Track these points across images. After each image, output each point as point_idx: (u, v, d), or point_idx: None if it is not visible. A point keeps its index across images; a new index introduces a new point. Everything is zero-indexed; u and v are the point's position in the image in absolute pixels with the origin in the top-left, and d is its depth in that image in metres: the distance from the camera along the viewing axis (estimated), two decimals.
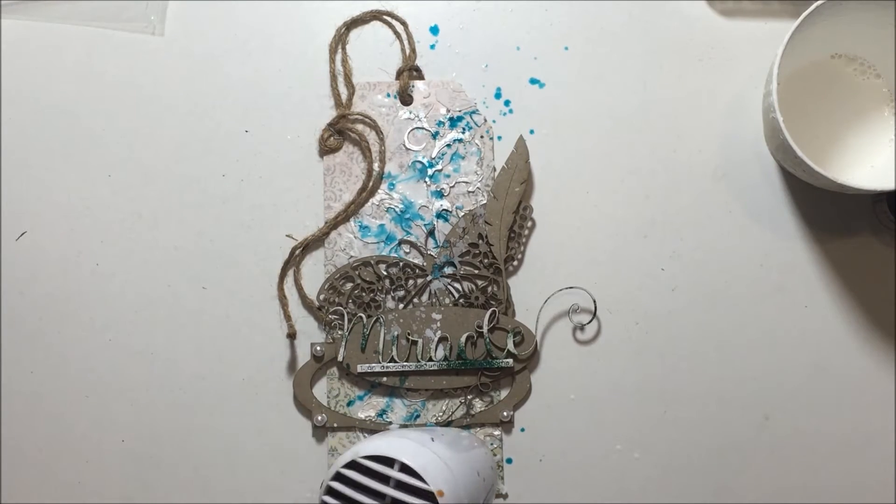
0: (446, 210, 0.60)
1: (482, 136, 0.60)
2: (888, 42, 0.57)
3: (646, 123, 0.61)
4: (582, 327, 0.60)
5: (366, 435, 0.59)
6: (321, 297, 0.59)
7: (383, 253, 0.60)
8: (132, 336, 0.59)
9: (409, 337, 0.59)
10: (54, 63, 0.61)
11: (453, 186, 0.60)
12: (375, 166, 0.60)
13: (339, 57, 0.61)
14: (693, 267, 0.60)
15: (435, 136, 0.60)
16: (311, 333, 0.59)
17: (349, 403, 0.59)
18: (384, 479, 0.44)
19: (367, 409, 0.59)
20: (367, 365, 0.58)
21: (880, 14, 0.56)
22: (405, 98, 0.61)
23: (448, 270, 0.59)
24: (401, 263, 0.59)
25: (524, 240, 0.60)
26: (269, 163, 0.60)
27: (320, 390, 0.59)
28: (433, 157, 0.60)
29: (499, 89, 0.61)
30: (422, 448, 0.45)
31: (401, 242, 0.60)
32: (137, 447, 0.59)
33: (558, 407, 0.59)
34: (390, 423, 0.59)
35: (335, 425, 0.59)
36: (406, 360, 0.58)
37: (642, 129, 0.61)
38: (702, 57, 0.61)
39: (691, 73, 0.61)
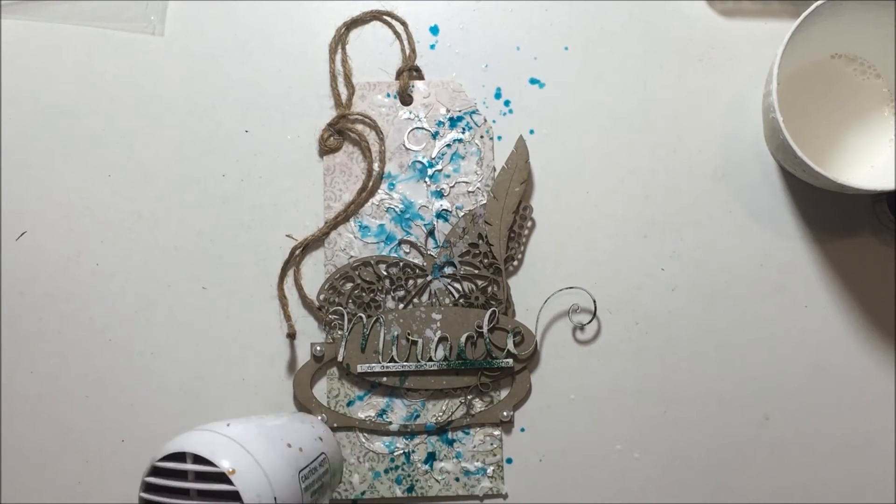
0: (446, 210, 0.60)
1: (482, 136, 0.60)
2: (888, 42, 0.57)
3: (646, 123, 0.61)
4: (582, 327, 0.60)
5: (366, 436, 0.59)
6: (321, 297, 0.59)
7: (383, 253, 0.60)
8: (132, 336, 0.59)
9: (409, 337, 0.59)
10: (54, 63, 0.61)
11: (453, 186, 0.60)
12: (375, 166, 0.60)
13: (339, 57, 0.61)
14: (693, 267, 0.60)
15: (435, 136, 0.60)
16: (311, 333, 0.59)
17: (349, 403, 0.59)
18: (184, 475, 0.44)
19: (367, 409, 0.59)
20: (367, 365, 0.58)
21: (880, 14, 0.56)
22: (405, 98, 0.61)
23: (448, 270, 0.59)
24: (401, 263, 0.59)
25: (524, 240, 0.60)
26: (269, 163, 0.60)
27: (320, 390, 0.59)
28: (433, 157, 0.60)
29: (499, 89, 0.61)
30: (213, 435, 0.46)
31: (401, 242, 0.60)
32: (137, 447, 0.59)
33: (558, 407, 0.59)
34: (390, 423, 0.59)
35: (335, 425, 0.59)
36: (406, 360, 0.58)
37: (642, 129, 0.61)
38: (702, 57, 0.61)
39: (691, 73, 0.61)
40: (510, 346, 0.59)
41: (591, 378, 0.59)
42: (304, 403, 0.59)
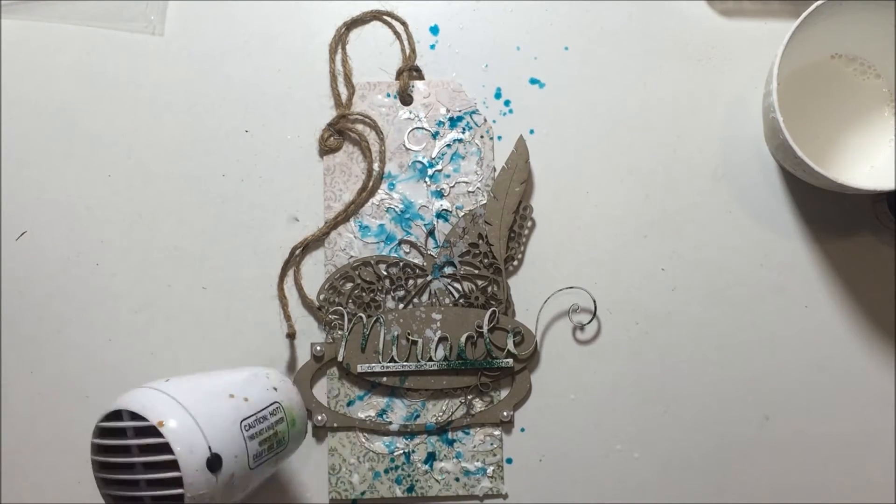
0: (446, 210, 0.60)
1: (482, 136, 0.60)
2: (888, 42, 0.57)
3: (646, 123, 0.61)
4: (582, 327, 0.60)
5: (366, 436, 0.59)
6: (321, 297, 0.59)
7: (383, 253, 0.60)
8: (132, 336, 0.59)
9: (409, 337, 0.59)
10: (54, 63, 0.61)
11: (453, 186, 0.60)
12: (375, 166, 0.60)
13: (339, 57, 0.61)
14: (693, 267, 0.60)
15: (435, 136, 0.60)
16: (311, 333, 0.59)
17: (349, 403, 0.59)
18: (123, 433, 0.45)
19: (367, 409, 0.59)
20: (367, 365, 0.58)
21: (880, 14, 0.56)
22: (405, 98, 0.61)
23: (448, 270, 0.59)
24: (401, 263, 0.59)
25: (524, 240, 0.60)
26: (269, 163, 0.60)
27: (320, 390, 0.59)
28: (433, 157, 0.60)
29: (499, 89, 0.61)
30: (148, 391, 0.47)
31: (401, 242, 0.60)
32: None
33: (558, 407, 0.59)
34: (390, 423, 0.59)
35: (335, 425, 0.59)
36: (406, 360, 0.58)
37: (642, 129, 0.61)
38: (702, 57, 0.61)
39: (691, 73, 0.61)
40: (510, 346, 0.59)
41: (591, 378, 0.59)
42: (305, 403, 0.58)
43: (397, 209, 0.60)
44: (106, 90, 0.61)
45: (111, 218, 0.60)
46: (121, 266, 0.60)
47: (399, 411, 0.59)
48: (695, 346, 0.60)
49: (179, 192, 0.60)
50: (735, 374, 0.59)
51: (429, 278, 0.59)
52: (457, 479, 0.59)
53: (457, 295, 0.59)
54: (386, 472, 0.59)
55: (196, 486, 0.44)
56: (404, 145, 0.60)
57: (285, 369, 0.59)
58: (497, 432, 0.59)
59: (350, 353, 0.59)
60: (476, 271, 0.59)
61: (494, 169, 0.60)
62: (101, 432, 0.45)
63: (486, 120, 0.61)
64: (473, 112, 0.61)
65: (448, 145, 0.60)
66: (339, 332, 0.59)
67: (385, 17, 0.61)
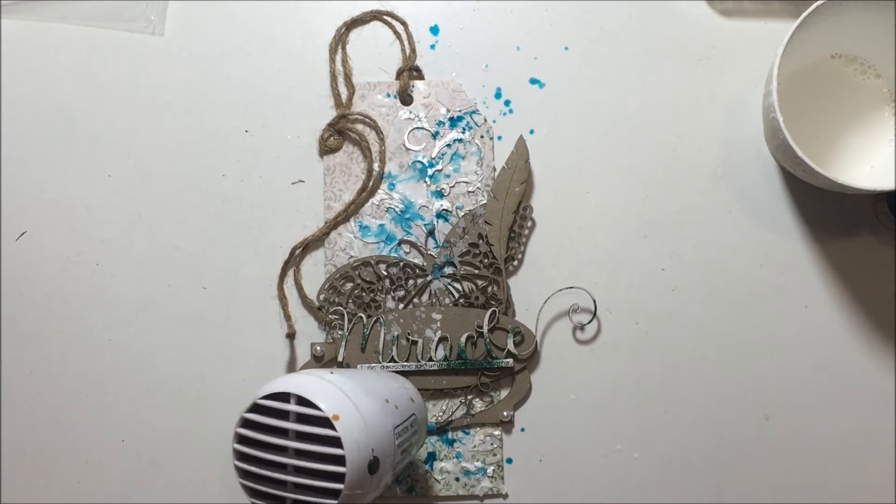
0: (446, 210, 0.60)
1: (482, 136, 0.60)
2: (888, 42, 0.57)
3: (646, 123, 0.61)
4: (582, 327, 0.60)
5: None
6: (321, 297, 0.59)
7: (383, 253, 0.60)
8: (132, 336, 0.59)
9: (409, 337, 0.59)
10: (54, 63, 0.61)
11: (453, 186, 0.60)
12: (375, 166, 0.60)
13: (339, 57, 0.61)
14: (693, 267, 0.60)
15: (435, 136, 0.60)
16: (311, 333, 0.59)
17: None
18: (284, 415, 0.44)
19: None
20: (368, 365, 0.58)
21: (880, 14, 0.56)
22: (405, 98, 0.61)
23: (448, 270, 0.59)
24: (401, 263, 0.59)
25: (524, 240, 0.60)
26: (269, 163, 0.60)
27: None
28: (433, 157, 0.60)
29: (499, 89, 0.61)
30: (318, 380, 0.45)
31: (401, 242, 0.60)
32: (137, 447, 0.59)
33: (558, 407, 0.59)
34: None
35: None
36: (406, 360, 0.58)
37: (642, 129, 0.61)
38: (702, 57, 0.61)
39: (691, 73, 0.61)
40: (510, 346, 0.59)
41: (591, 378, 0.59)
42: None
43: (397, 209, 0.60)
44: (106, 90, 0.61)
45: (111, 218, 0.60)
46: (121, 266, 0.60)
47: None
48: (695, 346, 0.60)
49: (179, 192, 0.60)
50: (735, 374, 0.59)
51: (429, 278, 0.59)
52: (457, 479, 0.59)
53: (457, 295, 0.59)
54: None
55: (354, 484, 0.43)
56: (404, 145, 0.60)
57: (285, 369, 0.59)
58: (497, 432, 0.59)
59: (350, 353, 0.59)
60: (476, 271, 0.59)
61: (494, 169, 0.60)
62: (259, 409, 0.44)
63: (486, 120, 0.61)
64: (473, 112, 0.61)
65: (448, 145, 0.60)
66: (339, 332, 0.59)
67: (385, 17, 0.61)
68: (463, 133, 0.60)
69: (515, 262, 0.60)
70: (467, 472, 0.59)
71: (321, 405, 0.43)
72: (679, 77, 0.61)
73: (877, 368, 0.59)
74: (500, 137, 0.61)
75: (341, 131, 0.60)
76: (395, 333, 0.59)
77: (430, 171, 0.60)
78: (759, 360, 0.59)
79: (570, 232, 0.60)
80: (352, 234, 0.60)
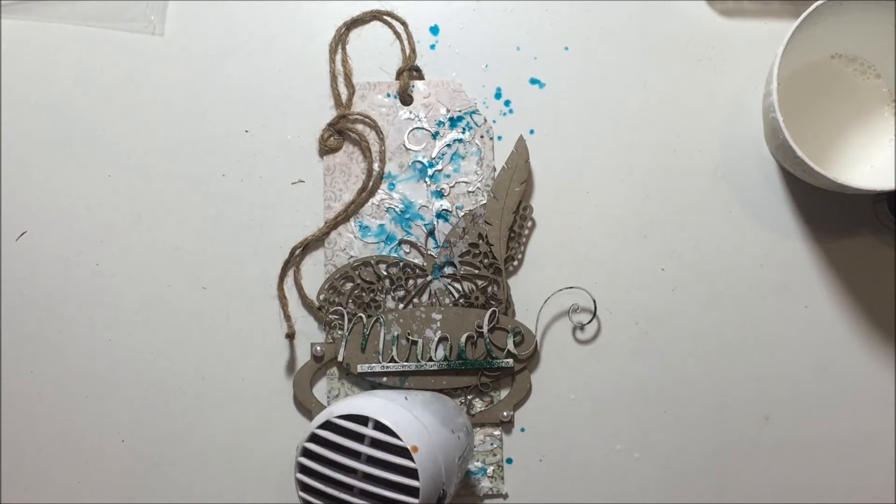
0: (446, 210, 0.60)
1: (482, 136, 0.60)
2: (888, 42, 0.57)
3: (646, 123, 0.61)
4: (582, 327, 0.60)
5: None
6: (321, 297, 0.59)
7: (383, 253, 0.60)
8: (132, 336, 0.59)
9: (409, 337, 0.59)
10: (54, 63, 0.61)
11: (453, 186, 0.60)
12: (375, 166, 0.60)
13: (339, 57, 0.61)
14: (693, 267, 0.60)
15: (435, 136, 0.60)
16: (311, 333, 0.59)
17: None
18: (359, 438, 0.44)
19: None
20: (367, 365, 0.58)
21: (880, 14, 0.56)
22: (405, 98, 0.61)
23: (448, 270, 0.59)
24: (401, 263, 0.59)
25: (524, 240, 0.60)
26: (269, 163, 0.60)
27: (320, 390, 0.59)
28: (433, 157, 0.60)
29: (499, 89, 0.61)
30: (395, 406, 0.45)
31: (401, 242, 0.60)
32: (137, 447, 0.59)
33: (558, 407, 0.59)
34: None
35: None
36: (406, 360, 0.58)
37: (642, 129, 0.61)
38: (702, 57, 0.61)
39: (691, 73, 0.61)
40: (510, 346, 0.59)
41: (591, 378, 0.59)
42: (304, 404, 0.59)
43: (397, 209, 0.60)
44: (106, 90, 0.61)
45: (111, 218, 0.60)
46: (121, 266, 0.60)
47: None
48: (695, 346, 0.60)
49: (179, 192, 0.60)
50: (735, 374, 0.59)
51: (429, 278, 0.59)
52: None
53: (457, 295, 0.59)
54: None
55: None
56: (404, 145, 0.60)
57: (285, 369, 0.59)
58: (497, 432, 0.59)
59: (350, 353, 0.58)
60: (476, 271, 0.59)
61: (494, 169, 0.60)
62: (333, 427, 0.44)
63: (486, 120, 0.61)
64: (473, 112, 0.61)
65: (448, 145, 0.60)
66: (339, 332, 0.59)
67: (385, 17, 0.61)
68: (463, 133, 0.60)
69: (515, 262, 0.60)
70: (467, 472, 0.59)
71: (401, 434, 0.43)
72: (679, 77, 0.61)
73: (877, 368, 0.59)
74: (500, 137, 0.61)
75: (341, 131, 0.60)
76: (395, 333, 0.59)
77: (430, 171, 0.60)
78: (759, 360, 0.59)
79: (570, 232, 0.60)
80: (352, 234, 0.60)
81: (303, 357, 0.59)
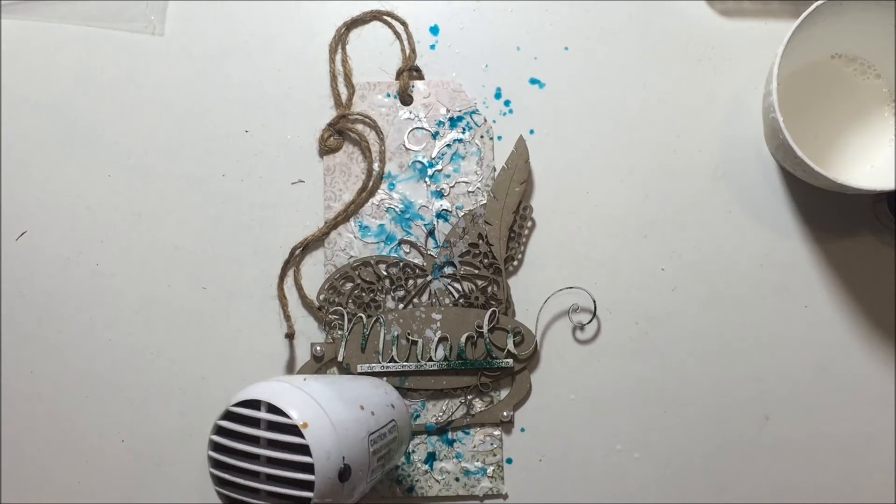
0: (446, 210, 0.60)
1: (482, 136, 0.60)
2: (888, 42, 0.57)
3: (646, 123, 0.61)
4: (582, 327, 0.60)
5: None
6: (321, 297, 0.59)
7: (383, 253, 0.60)
8: (132, 336, 0.59)
9: (409, 337, 0.59)
10: (54, 63, 0.61)
11: (453, 186, 0.60)
12: (375, 166, 0.60)
13: (339, 57, 0.61)
14: (693, 267, 0.60)
15: (435, 136, 0.60)
16: (311, 333, 0.59)
17: None
18: (256, 423, 0.44)
19: None
20: (367, 365, 0.58)
21: (880, 14, 0.56)
22: (405, 98, 0.61)
23: (448, 270, 0.59)
24: (401, 263, 0.59)
25: (524, 240, 0.60)
26: (269, 163, 0.60)
27: None
28: (433, 157, 0.60)
29: (499, 89, 0.61)
30: (290, 387, 0.45)
31: (401, 242, 0.60)
32: (137, 447, 0.59)
33: (558, 407, 0.59)
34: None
35: None
36: (406, 360, 0.58)
37: (642, 129, 0.61)
38: (702, 57, 0.61)
39: (691, 73, 0.61)
40: (510, 346, 0.59)
41: (591, 378, 0.59)
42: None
43: (397, 209, 0.60)
44: (106, 90, 0.61)
45: (111, 218, 0.60)
46: (121, 266, 0.60)
47: None
48: (695, 346, 0.60)
49: (179, 192, 0.60)
50: (735, 374, 0.59)
51: (429, 278, 0.59)
52: (457, 479, 0.59)
53: (457, 295, 0.59)
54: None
55: (324, 492, 0.43)
56: (404, 145, 0.60)
57: (285, 369, 0.59)
58: (497, 432, 0.59)
59: (350, 353, 0.59)
60: (476, 271, 0.59)
61: (494, 169, 0.60)
62: (231, 416, 0.44)
63: (486, 120, 0.61)
64: (473, 112, 0.61)
65: (448, 145, 0.60)
66: (339, 332, 0.59)
67: (385, 17, 0.61)
68: (463, 133, 0.60)
69: (515, 262, 0.60)
70: (467, 473, 0.59)
71: (291, 412, 0.43)
72: (679, 77, 0.61)
73: (877, 368, 0.59)
74: (500, 137, 0.61)
75: (341, 131, 0.60)
76: (395, 333, 0.59)
77: (430, 171, 0.60)
78: (759, 360, 0.59)
79: (570, 232, 0.60)
80: (352, 234, 0.60)
81: (303, 357, 0.59)
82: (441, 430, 0.59)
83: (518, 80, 0.61)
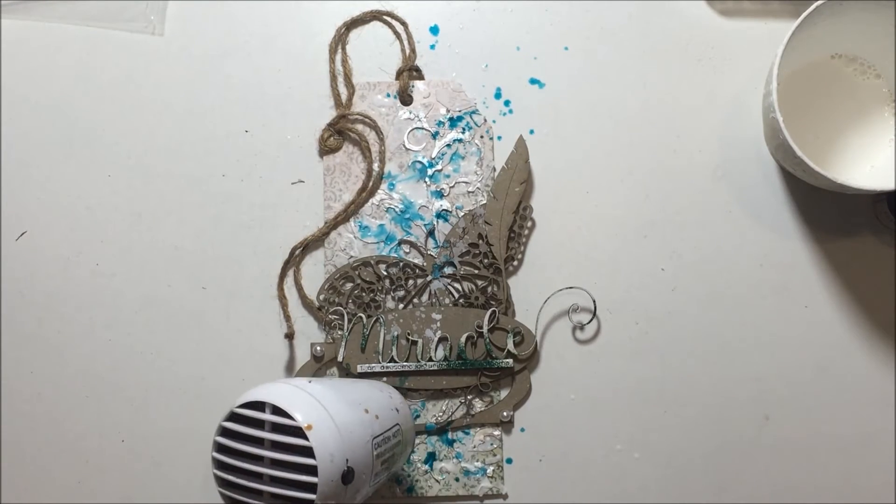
0: (446, 210, 0.60)
1: (482, 136, 0.60)
2: (888, 42, 0.57)
3: (646, 123, 0.61)
4: (582, 327, 0.60)
5: None
6: (321, 297, 0.59)
7: (383, 253, 0.60)
8: (132, 336, 0.59)
9: (409, 337, 0.59)
10: (54, 63, 0.61)
11: (453, 186, 0.60)
12: (375, 166, 0.60)
13: (339, 57, 0.61)
14: (693, 267, 0.60)
15: (435, 136, 0.60)
16: (311, 333, 0.59)
17: None
18: (260, 425, 0.44)
19: None
20: (367, 365, 0.58)
21: (880, 14, 0.56)
22: (405, 98, 0.61)
23: (448, 270, 0.59)
24: (401, 263, 0.59)
25: (524, 240, 0.60)
26: (269, 163, 0.60)
27: None
28: (433, 157, 0.60)
29: (499, 89, 0.61)
30: (295, 389, 0.46)
31: (401, 242, 0.60)
32: (137, 447, 0.59)
33: (558, 407, 0.59)
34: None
35: None
36: (406, 360, 0.58)
37: (642, 129, 0.61)
38: (702, 57, 0.61)
39: (691, 73, 0.61)
40: (510, 346, 0.59)
41: (591, 378, 0.59)
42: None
43: (397, 209, 0.60)
44: (106, 90, 0.61)
45: (111, 218, 0.60)
46: (121, 266, 0.60)
47: None
48: (695, 346, 0.60)
49: (179, 192, 0.60)
50: (735, 374, 0.59)
51: (429, 278, 0.59)
52: (457, 480, 0.59)
53: (457, 295, 0.59)
54: None
55: (327, 495, 0.43)
56: (404, 145, 0.60)
57: (284, 369, 0.59)
58: (497, 432, 0.59)
59: (350, 353, 0.59)
60: (476, 271, 0.59)
61: (494, 169, 0.60)
62: (236, 418, 0.44)
63: (486, 120, 0.61)
64: (473, 112, 0.61)
65: (448, 145, 0.60)
66: (339, 332, 0.59)
67: (385, 17, 0.61)
68: (463, 133, 0.60)
69: (515, 262, 0.60)
70: (467, 473, 0.59)
71: (296, 415, 0.43)
72: (679, 77, 0.61)
73: (877, 368, 0.59)
74: (500, 137, 0.61)
75: (341, 131, 0.60)
76: (395, 333, 0.59)
77: (430, 171, 0.60)
78: (759, 360, 0.59)
79: (570, 232, 0.60)
80: (352, 234, 0.60)
81: (303, 357, 0.59)
82: (441, 430, 0.59)
83: (518, 80, 0.61)
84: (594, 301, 0.59)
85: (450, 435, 0.59)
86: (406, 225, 0.60)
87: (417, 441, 0.59)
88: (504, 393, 0.59)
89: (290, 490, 0.43)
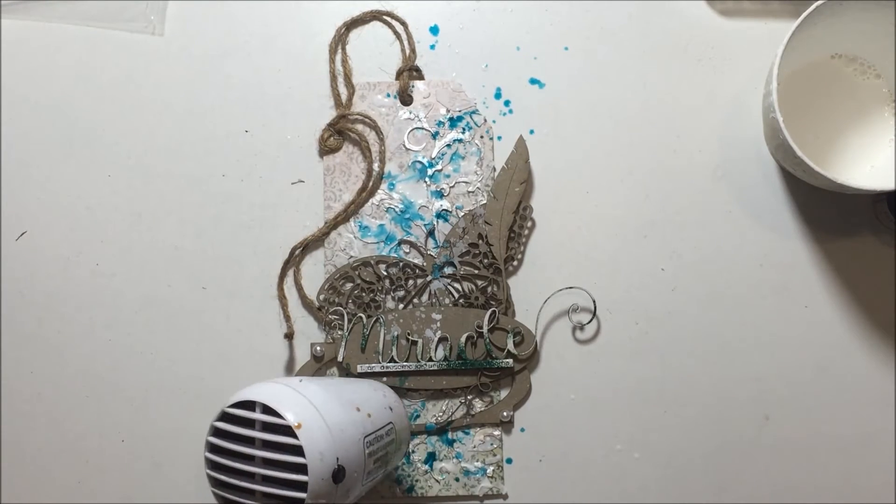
0: (446, 210, 0.60)
1: (482, 136, 0.60)
2: (888, 42, 0.57)
3: (646, 123, 0.61)
4: (582, 327, 0.60)
5: None
6: (321, 297, 0.59)
7: (383, 253, 0.60)
8: (132, 336, 0.59)
9: (409, 337, 0.59)
10: (54, 63, 0.61)
11: (453, 186, 0.60)
12: (375, 166, 0.60)
13: (339, 57, 0.61)
14: (693, 267, 0.60)
15: (435, 136, 0.60)
16: (311, 333, 0.59)
17: None
18: (251, 424, 0.44)
19: None
20: (367, 365, 0.58)
21: (880, 14, 0.56)
22: (405, 98, 0.61)
23: (448, 270, 0.59)
24: (401, 263, 0.59)
25: (524, 240, 0.60)
26: (269, 163, 0.60)
27: None
28: (433, 157, 0.60)
29: (499, 89, 0.61)
30: (285, 388, 0.46)
31: (401, 242, 0.60)
32: (137, 447, 0.59)
33: (558, 407, 0.59)
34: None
35: None
36: (406, 360, 0.58)
37: (642, 129, 0.61)
38: (702, 57, 0.61)
39: (691, 73, 0.61)
40: (510, 346, 0.59)
41: (591, 378, 0.59)
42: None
43: (397, 209, 0.60)
44: (106, 90, 0.61)
45: (111, 218, 0.60)
46: (121, 266, 0.60)
47: None
48: (695, 346, 0.60)
49: (179, 192, 0.60)
50: (735, 374, 0.59)
51: (429, 278, 0.59)
52: (457, 480, 0.59)
53: (457, 295, 0.59)
54: None
55: (318, 493, 0.43)
56: (404, 145, 0.60)
57: (284, 369, 0.59)
58: (497, 432, 0.59)
59: (350, 353, 0.59)
60: (476, 271, 0.59)
61: (494, 169, 0.60)
62: (227, 417, 0.45)
63: (486, 120, 0.61)
64: (473, 112, 0.61)
65: (448, 145, 0.60)
66: (339, 332, 0.59)
67: (385, 17, 0.61)
68: (463, 133, 0.60)
69: (515, 262, 0.60)
70: (467, 473, 0.59)
71: (286, 414, 0.44)
72: (679, 77, 0.61)
73: (877, 368, 0.59)
74: (500, 137, 0.61)
75: (341, 131, 0.60)
76: (395, 333, 0.59)
77: (429, 171, 0.60)
78: (759, 360, 0.59)
79: (570, 232, 0.60)
80: (352, 234, 0.60)
81: (303, 357, 0.59)
82: (441, 430, 0.59)
83: (518, 80, 0.61)
84: (594, 301, 0.59)
85: (450, 435, 0.59)
86: (406, 225, 0.60)
87: (417, 441, 0.59)
88: (504, 393, 0.59)
89: (282, 489, 0.43)
